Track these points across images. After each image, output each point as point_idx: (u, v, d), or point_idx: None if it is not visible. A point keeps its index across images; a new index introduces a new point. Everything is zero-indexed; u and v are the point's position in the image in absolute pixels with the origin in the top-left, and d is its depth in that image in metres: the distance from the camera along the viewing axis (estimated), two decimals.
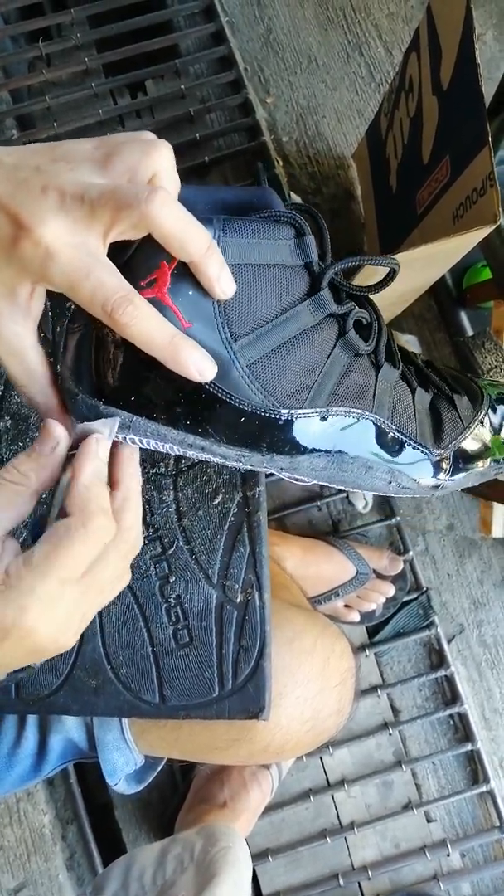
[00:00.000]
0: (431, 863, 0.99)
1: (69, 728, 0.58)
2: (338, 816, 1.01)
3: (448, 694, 1.04)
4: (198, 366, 0.37)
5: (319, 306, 0.42)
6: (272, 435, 0.42)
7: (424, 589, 1.05)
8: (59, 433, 0.37)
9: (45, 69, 1.14)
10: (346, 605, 1.00)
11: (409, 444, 0.49)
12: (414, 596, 1.05)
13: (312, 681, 0.57)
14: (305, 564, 0.95)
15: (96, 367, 0.40)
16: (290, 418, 0.42)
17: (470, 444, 0.54)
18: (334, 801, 1.01)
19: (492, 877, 1.01)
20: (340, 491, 1.08)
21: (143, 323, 0.35)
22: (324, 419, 0.44)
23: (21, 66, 1.20)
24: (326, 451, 0.45)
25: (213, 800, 0.90)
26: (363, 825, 0.99)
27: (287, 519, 1.07)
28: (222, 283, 0.37)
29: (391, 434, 0.48)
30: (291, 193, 1.10)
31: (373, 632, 1.05)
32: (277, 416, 0.42)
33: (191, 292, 0.37)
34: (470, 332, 1.07)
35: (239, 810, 0.88)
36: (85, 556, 0.34)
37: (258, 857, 0.97)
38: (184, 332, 0.37)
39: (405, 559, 1.04)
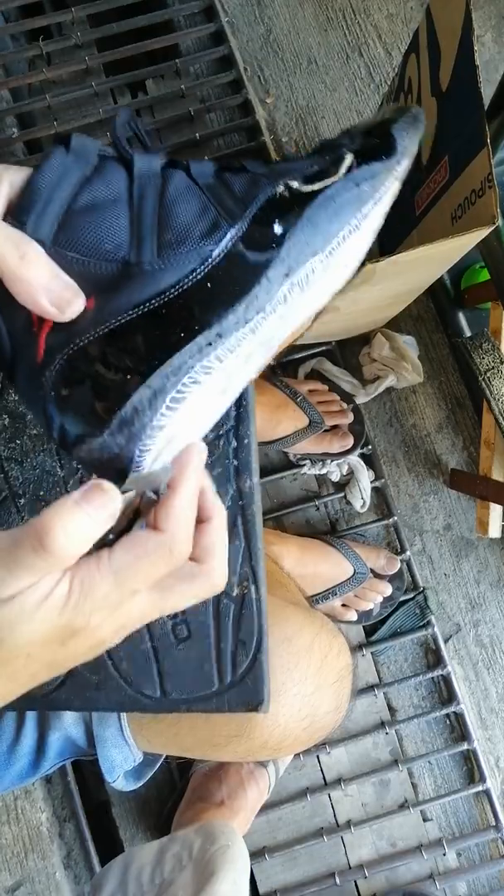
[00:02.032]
0: (427, 862, 1.00)
1: (67, 725, 0.59)
2: (334, 815, 1.01)
3: (444, 693, 1.04)
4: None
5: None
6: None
7: (421, 588, 1.05)
8: (111, 495, 0.34)
9: (46, 68, 1.14)
10: (343, 605, 1.00)
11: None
12: (411, 595, 1.05)
13: (310, 678, 0.57)
14: (303, 564, 0.95)
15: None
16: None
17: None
18: (331, 800, 1.01)
19: (488, 876, 1.01)
20: (338, 490, 1.08)
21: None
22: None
23: (21, 65, 1.20)
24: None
25: (211, 798, 0.90)
26: (360, 824, 0.99)
27: (285, 518, 1.07)
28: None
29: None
30: None
31: (370, 631, 1.05)
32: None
33: None
34: (468, 333, 1.07)
35: (236, 808, 0.88)
36: (161, 573, 0.34)
37: (255, 855, 0.97)
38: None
39: (402, 559, 1.04)
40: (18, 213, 0.39)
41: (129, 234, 0.41)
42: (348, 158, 0.45)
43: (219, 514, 0.37)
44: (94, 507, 0.32)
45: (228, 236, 0.41)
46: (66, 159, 0.40)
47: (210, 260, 0.41)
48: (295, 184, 0.44)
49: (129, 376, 0.39)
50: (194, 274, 0.41)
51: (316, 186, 0.43)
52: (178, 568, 0.34)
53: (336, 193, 0.43)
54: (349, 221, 0.44)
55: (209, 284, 0.41)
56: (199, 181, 0.43)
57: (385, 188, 0.45)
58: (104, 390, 0.39)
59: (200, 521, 0.37)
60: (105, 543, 0.34)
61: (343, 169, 0.44)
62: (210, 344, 0.40)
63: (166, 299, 0.40)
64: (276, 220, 0.43)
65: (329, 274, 0.45)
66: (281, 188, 0.44)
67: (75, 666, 0.50)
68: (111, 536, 0.35)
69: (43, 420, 0.41)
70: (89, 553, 0.33)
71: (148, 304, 0.40)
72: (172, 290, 0.40)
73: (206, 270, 0.41)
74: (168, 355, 0.39)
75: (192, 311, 0.41)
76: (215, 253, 0.41)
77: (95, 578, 0.32)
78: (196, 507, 0.35)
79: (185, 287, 0.41)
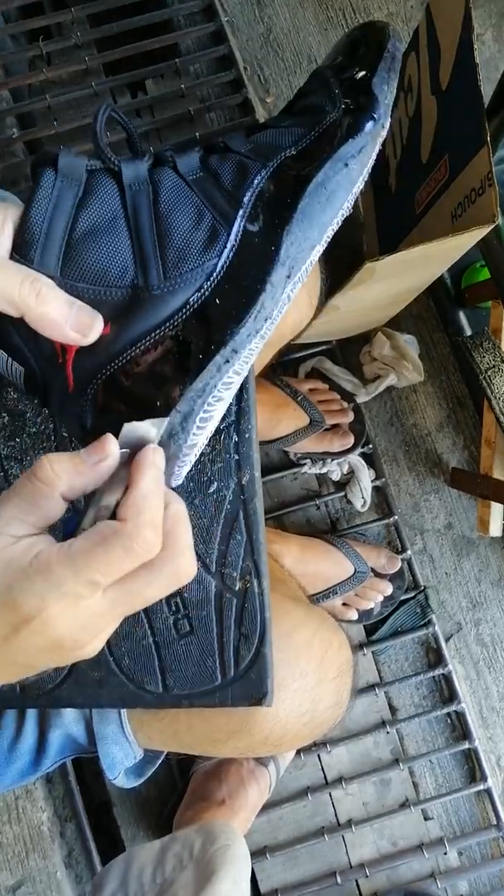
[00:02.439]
0: (429, 861, 1.00)
1: (68, 723, 0.59)
2: (335, 814, 1.01)
3: (446, 692, 1.04)
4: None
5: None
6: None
7: (422, 587, 1.05)
8: (110, 449, 0.35)
9: (46, 68, 1.14)
10: (344, 604, 1.00)
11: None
12: (412, 594, 1.05)
13: (310, 673, 0.57)
14: (303, 563, 0.95)
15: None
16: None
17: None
18: (332, 799, 1.01)
19: (489, 875, 1.01)
20: (339, 490, 1.08)
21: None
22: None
23: (21, 65, 1.20)
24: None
25: (212, 797, 0.90)
26: (361, 823, 0.99)
27: (286, 517, 1.07)
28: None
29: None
30: None
31: (371, 630, 1.05)
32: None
33: None
34: (468, 332, 1.07)
35: (237, 808, 0.88)
36: (123, 565, 0.33)
37: (256, 854, 0.97)
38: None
39: (403, 558, 1.04)
40: (23, 249, 0.40)
41: (131, 254, 0.42)
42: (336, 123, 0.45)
43: (176, 501, 0.36)
44: (88, 453, 0.34)
45: (229, 246, 0.42)
46: (56, 183, 0.41)
47: (214, 275, 0.42)
48: (288, 170, 0.44)
49: (158, 403, 0.41)
50: (202, 291, 0.42)
51: (304, 172, 0.44)
52: (142, 560, 0.34)
53: (326, 178, 0.43)
54: (342, 206, 0.44)
55: (217, 300, 0.42)
56: (187, 178, 0.44)
57: (371, 156, 0.45)
58: (137, 418, 0.41)
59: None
60: None
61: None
62: (227, 361, 0.41)
63: (179, 321, 0.41)
64: (271, 218, 0.43)
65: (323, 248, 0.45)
66: (268, 184, 0.44)
67: (77, 663, 0.49)
68: (97, 521, 0.35)
69: (83, 444, 0.43)
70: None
71: (163, 328, 0.41)
72: (183, 311, 0.41)
73: (213, 286, 0.42)
74: (191, 378, 0.41)
75: (204, 331, 0.42)
76: (219, 266, 0.42)
77: (52, 558, 0.32)
78: (160, 496, 0.35)
79: (194, 307, 0.41)
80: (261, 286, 0.42)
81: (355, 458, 1.07)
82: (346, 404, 1.06)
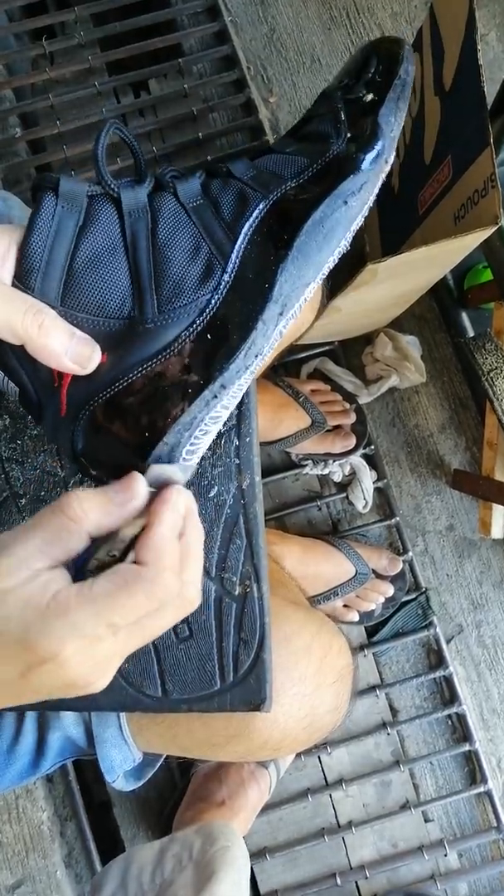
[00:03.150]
0: (429, 863, 1.00)
1: (67, 725, 0.59)
2: (335, 816, 1.01)
3: (446, 694, 1.04)
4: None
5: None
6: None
7: (423, 589, 1.05)
8: (139, 490, 0.35)
9: (49, 67, 1.14)
10: (345, 605, 1.00)
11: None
12: (413, 596, 1.05)
13: (309, 678, 0.57)
14: (304, 564, 0.95)
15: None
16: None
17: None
18: (332, 801, 1.01)
19: (489, 877, 1.01)
20: (341, 491, 1.08)
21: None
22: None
23: (24, 64, 1.20)
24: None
25: (212, 798, 0.90)
26: (361, 824, 0.99)
27: (287, 518, 1.07)
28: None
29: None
30: None
31: (372, 632, 1.05)
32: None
33: None
34: (471, 333, 1.07)
35: (237, 809, 0.88)
36: (143, 608, 0.33)
37: (256, 855, 0.97)
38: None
39: (404, 559, 1.04)
40: (24, 277, 0.40)
41: (129, 285, 0.42)
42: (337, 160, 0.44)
43: (191, 530, 0.37)
44: (116, 492, 0.35)
45: (223, 282, 0.42)
46: (57, 209, 0.41)
47: (208, 310, 0.42)
48: (289, 195, 0.44)
49: (146, 434, 0.41)
50: (195, 326, 0.42)
51: (306, 196, 0.43)
52: (163, 602, 0.34)
53: (324, 216, 0.43)
54: (339, 244, 0.44)
55: (209, 336, 0.42)
56: (187, 205, 0.44)
57: (373, 192, 0.45)
58: (125, 445, 0.41)
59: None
60: (109, 564, 0.35)
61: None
62: (216, 396, 0.42)
63: (170, 355, 0.41)
64: (267, 255, 0.43)
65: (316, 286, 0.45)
66: (267, 216, 0.44)
67: None
68: (112, 554, 0.35)
69: (76, 467, 0.44)
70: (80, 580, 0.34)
71: (155, 361, 0.41)
72: (175, 345, 0.42)
73: (205, 322, 0.42)
74: (179, 412, 0.41)
75: (195, 366, 0.42)
76: (212, 302, 0.42)
77: (72, 601, 0.32)
78: (176, 538, 0.35)
79: (186, 341, 0.42)
80: (253, 323, 0.42)
81: (357, 460, 1.06)
82: (347, 405, 1.05)
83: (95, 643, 0.32)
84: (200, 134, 1.12)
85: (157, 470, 0.38)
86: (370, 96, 0.45)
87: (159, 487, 0.37)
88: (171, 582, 0.34)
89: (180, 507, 0.36)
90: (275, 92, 1.18)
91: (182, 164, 1.13)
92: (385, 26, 1.19)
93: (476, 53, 0.65)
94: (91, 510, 0.34)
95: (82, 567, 0.35)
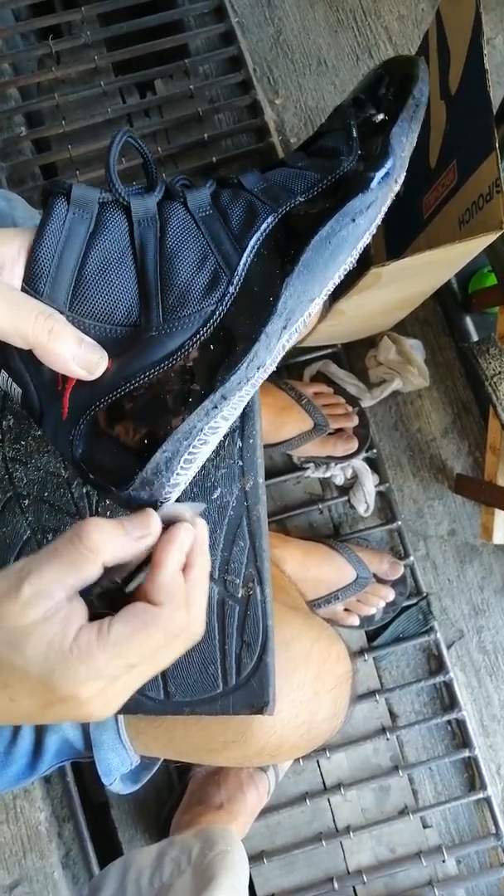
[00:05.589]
0: (427, 868, 0.99)
1: (65, 728, 0.58)
2: (334, 820, 1.00)
3: (446, 700, 1.04)
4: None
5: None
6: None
7: (424, 594, 1.05)
8: (154, 526, 0.37)
9: (55, 67, 1.14)
10: (345, 609, 0.99)
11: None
12: (414, 601, 1.04)
13: (307, 685, 0.57)
14: (305, 567, 0.94)
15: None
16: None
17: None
18: (330, 805, 1.01)
19: (487, 884, 1.00)
20: (342, 494, 1.08)
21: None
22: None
23: (30, 64, 1.20)
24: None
25: (210, 801, 0.90)
26: (359, 829, 0.99)
27: (288, 521, 1.07)
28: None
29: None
30: None
31: (372, 636, 1.04)
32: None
33: None
34: (475, 338, 1.06)
35: (235, 812, 0.88)
36: (159, 646, 0.35)
37: (254, 859, 0.97)
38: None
39: (406, 564, 1.04)
40: (33, 281, 0.40)
41: (136, 293, 0.42)
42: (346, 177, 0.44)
43: (198, 566, 0.39)
44: (132, 526, 0.37)
45: (229, 294, 0.42)
46: (68, 215, 0.41)
47: (212, 320, 0.42)
48: (296, 210, 0.44)
49: (146, 441, 0.42)
50: (198, 336, 0.42)
51: (314, 210, 0.43)
52: (177, 637, 0.36)
53: (331, 233, 0.43)
54: (345, 261, 0.44)
55: (212, 346, 0.42)
56: (196, 215, 0.44)
57: (382, 210, 0.45)
58: (125, 452, 0.42)
59: (184, 571, 0.39)
60: (111, 591, 0.37)
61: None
62: (216, 407, 0.42)
63: (173, 363, 0.42)
64: (273, 268, 0.43)
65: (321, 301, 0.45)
66: (275, 230, 0.44)
67: None
68: (114, 581, 0.37)
69: (75, 471, 0.45)
70: (94, 619, 0.35)
71: (158, 369, 0.41)
72: (179, 354, 0.42)
73: (209, 331, 0.42)
74: (179, 421, 0.42)
75: (197, 375, 0.42)
76: (217, 312, 0.42)
77: (94, 645, 0.34)
78: (181, 573, 0.37)
79: (189, 351, 0.42)
80: (256, 336, 0.42)
81: (359, 463, 1.06)
82: (350, 408, 1.05)
83: (113, 682, 0.34)
84: (206, 135, 1.12)
85: (168, 508, 0.40)
86: (382, 115, 0.45)
87: (167, 524, 0.38)
88: (184, 620, 0.36)
89: (187, 545, 0.38)
90: (281, 93, 1.18)
91: (187, 165, 1.13)
92: (392, 29, 1.19)
93: (482, 58, 0.65)
94: (108, 542, 0.35)
95: (85, 592, 0.36)
